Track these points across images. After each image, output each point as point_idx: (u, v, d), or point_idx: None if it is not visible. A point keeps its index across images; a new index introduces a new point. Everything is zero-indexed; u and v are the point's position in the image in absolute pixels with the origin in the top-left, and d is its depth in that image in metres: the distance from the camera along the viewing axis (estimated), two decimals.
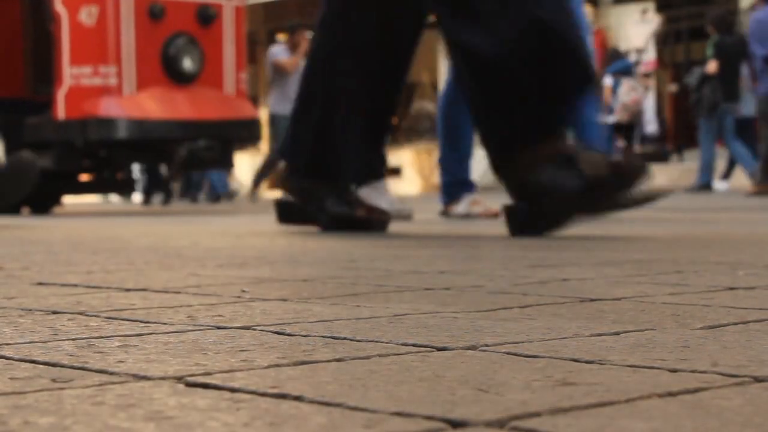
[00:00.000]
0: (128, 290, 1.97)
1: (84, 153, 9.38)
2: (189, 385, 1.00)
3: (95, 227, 5.59)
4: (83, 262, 2.72)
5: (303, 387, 0.97)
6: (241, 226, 5.48)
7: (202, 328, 1.42)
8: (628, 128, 16.13)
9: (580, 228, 4.03)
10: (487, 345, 1.23)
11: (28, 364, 1.13)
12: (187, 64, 9.21)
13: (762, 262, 2.46)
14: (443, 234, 4.29)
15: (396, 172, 22.09)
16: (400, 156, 21.97)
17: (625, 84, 15.45)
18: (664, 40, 15.85)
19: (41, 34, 9.96)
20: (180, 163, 9.45)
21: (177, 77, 9.17)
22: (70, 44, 9.09)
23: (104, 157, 9.69)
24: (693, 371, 1.04)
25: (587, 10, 14.19)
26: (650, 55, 16.12)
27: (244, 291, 1.93)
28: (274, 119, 12.83)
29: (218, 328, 1.42)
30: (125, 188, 11.33)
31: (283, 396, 0.93)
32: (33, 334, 1.37)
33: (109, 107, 8.94)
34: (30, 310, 1.66)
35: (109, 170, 10.18)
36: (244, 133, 9.71)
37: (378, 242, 3.57)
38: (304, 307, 1.66)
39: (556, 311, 1.57)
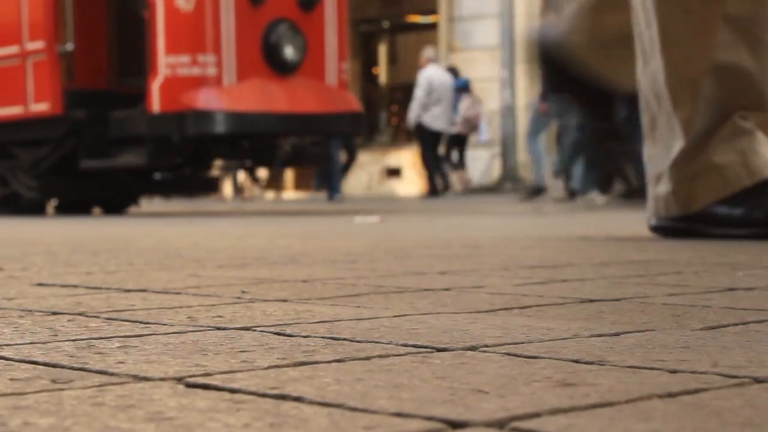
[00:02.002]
0: (128, 291, 1.97)
1: (179, 149, 8.61)
2: (189, 385, 1.00)
3: (95, 227, 5.59)
4: (83, 263, 2.72)
5: (303, 388, 0.97)
6: (241, 227, 5.48)
7: (202, 328, 1.42)
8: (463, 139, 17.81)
9: (580, 229, 4.03)
10: (487, 346, 1.23)
11: (28, 365, 1.13)
12: (289, 52, 8.52)
13: (761, 263, 2.46)
14: (443, 235, 4.29)
15: (396, 172, 22.09)
16: (399, 156, 21.98)
17: (465, 100, 17.02)
18: None
19: (127, 20, 9.18)
20: (283, 159, 8.86)
21: (278, 67, 8.48)
22: (165, 31, 8.40)
23: (195, 154, 8.96)
24: (693, 372, 1.04)
25: None
26: None
27: (244, 292, 1.93)
28: None
29: (218, 328, 1.42)
30: (209, 188, 10.54)
31: (283, 397, 0.93)
32: (33, 335, 1.37)
33: (208, 99, 8.26)
34: (30, 310, 1.66)
35: (201, 168, 9.53)
36: (348, 128, 9.12)
37: (379, 243, 3.57)
38: (304, 307, 1.66)
39: (556, 312, 1.57)
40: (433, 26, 21.09)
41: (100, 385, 1.00)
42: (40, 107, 8.85)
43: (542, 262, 2.58)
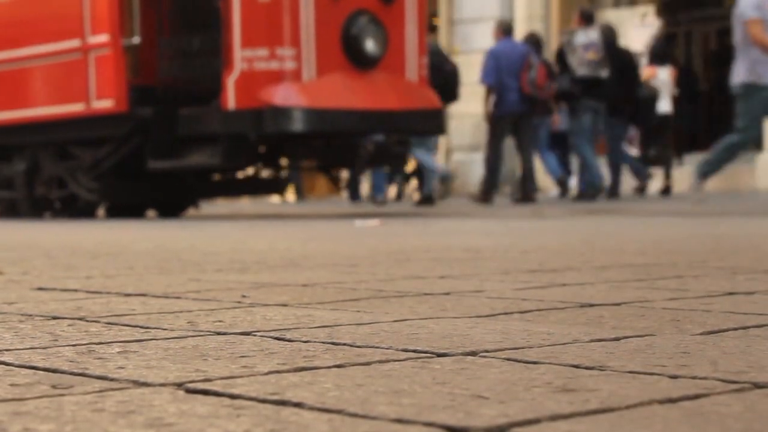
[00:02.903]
0: (128, 295, 1.97)
1: (254, 148, 7.98)
2: (189, 391, 1.00)
3: (94, 231, 5.59)
4: (83, 267, 2.72)
5: (304, 393, 0.97)
6: (241, 231, 5.48)
7: (202, 333, 1.42)
8: None
9: (579, 233, 4.03)
10: (487, 351, 1.23)
11: (28, 370, 1.13)
12: (370, 45, 7.90)
13: (761, 267, 2.46)
14: (442, 238, 4.29)
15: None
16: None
17: None
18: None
19: (197, 11, 8.33)
20: (366, 158, 8.32)
21: (358, 61, 7.88)
22: (241, 24, 7.73)
23: (267, 153, 8.35)
24: (693, 377, 1.04)
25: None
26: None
27: (244, 296, 1.93)
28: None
29: (218, 333, 1.42)
30: (274, 189, 9.89)
31: (283, 402, 0.93)
32: (33, 340, 1.37)
33: (287, 95, 7.63)
34: (30, 315, 1.66)
35: (274, 167, 8.84)
36: (429, 125, 8.49)
37: (379, 246, 3.57)
38: (304, 312, 1.66)
39: (556, 317, 1.57)
40: (432, 29, 21.11)
41: (100, 391, 1.00)
42: (103, 104, 8.24)
43: (542, 266, 2.58)
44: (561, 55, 10.81)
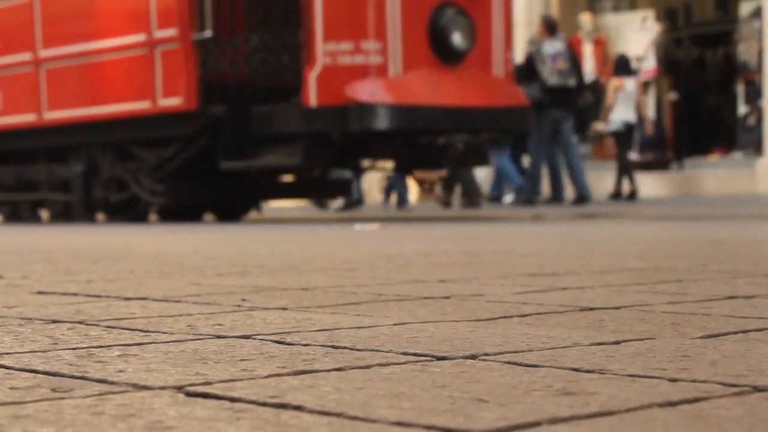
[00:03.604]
0: (128, 299, 1.97)
1: (334, 147, 7.45)
2: (189, 394, 1.00)
3: (94, 235, 5.59)
4: (83, 271, 2.72)
5: (304, 397, 0.97)
6: (241, 235, 5.48)
7: (202, 337, 1.42)
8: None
9: (578, 236, 4.03)
10: (487, 354, 1.23)
11: (28, 374, 1.13)
12: (457, 39, 7.45)
13: (761, 271, 2.46)
14: (442, 243, 4.29)
15: None
16: None
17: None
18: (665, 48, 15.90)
19: (273, 3, 7.94)
20: (454, 159, 7.88)
21: (445, 55, 7.44)
22: (324, 16, 7.26)
23: (346, 153, 7.86)
24: (693, 381, 1.04)
25: (587, 18, 14.17)
26: (650, 63, 16.18)
27: (244, 300, 1.93)
28: None
29: (218, 337, 1.42)
30: (339, 191, 9.46)
31: (283, 406, 0.93)
32: (33, 344, 1.37)
33: (373, 91, 7.17)
34: (30, 319, 1.66)
35: (352, 168, 8.45)
36: (516, 123, 7.98)
37: (378, 250, 3.57)
38: (304, 315, 1.66)
39: (556, 320, 1.57)
40: None
41: (100, 394, 1.00)
42: (171, 102, 7.77)
43: (542, 269, 2.58)
44: (529, 65, 10.88)
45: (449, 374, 1.10)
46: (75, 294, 2.08)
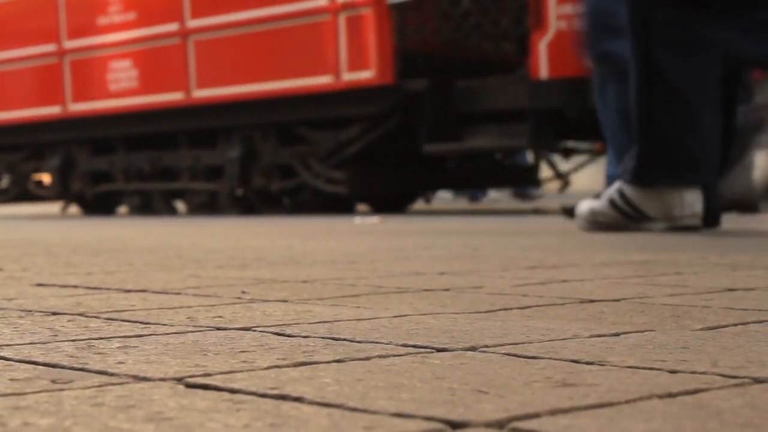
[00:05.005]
0: (128, 291, 1.97)
1: (564, 126, 6.47)
2: (189, 386, 1.00)
3: (94, 228, 5.59)
4: (83, 263, 2.72)
5: (303, 388, 0.97)
6: (241, 228, 5.48)
7: (202, 329, 1.42)
8: None
9: (579, 229, 4.03)
10: (486, 346, 1.23)
11: (27, 365, 1.13)
12: None
13: (761, 263, 2.46)
14: (443, 236, 4.29)
15: None
16: None
17: None
18: None
19: None
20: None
21: None
22: None
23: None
24: (693, 372, 1.04)
25: None
26: None
27: (244, 292, 1.93)
28: None
29: (218, 329, 1.42)
30: (524, 178, 8.37)
31: (283, 397, 0.93)
32: (33, 335, 1.37)
33: None
34: (30, 311, 1.66)
35: (564, 152, 7.28)
36: None
37: (378, 243, 3.57)
38: (304, 308, 1.66)
39: (556, 312, 1.57)
40: None
41: (100, 386, 1.00)
42: (360, 76, 6.76)
43: (542, 262, 2.59)
44: None
45: (449, 366, 1.10)
46: (75, 286, 2.08)
